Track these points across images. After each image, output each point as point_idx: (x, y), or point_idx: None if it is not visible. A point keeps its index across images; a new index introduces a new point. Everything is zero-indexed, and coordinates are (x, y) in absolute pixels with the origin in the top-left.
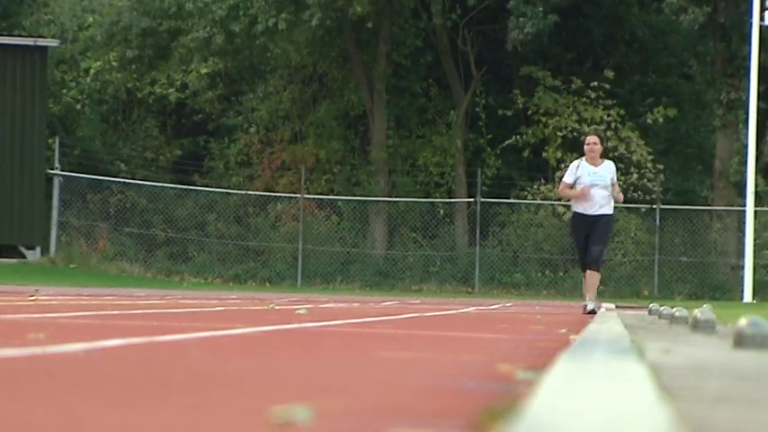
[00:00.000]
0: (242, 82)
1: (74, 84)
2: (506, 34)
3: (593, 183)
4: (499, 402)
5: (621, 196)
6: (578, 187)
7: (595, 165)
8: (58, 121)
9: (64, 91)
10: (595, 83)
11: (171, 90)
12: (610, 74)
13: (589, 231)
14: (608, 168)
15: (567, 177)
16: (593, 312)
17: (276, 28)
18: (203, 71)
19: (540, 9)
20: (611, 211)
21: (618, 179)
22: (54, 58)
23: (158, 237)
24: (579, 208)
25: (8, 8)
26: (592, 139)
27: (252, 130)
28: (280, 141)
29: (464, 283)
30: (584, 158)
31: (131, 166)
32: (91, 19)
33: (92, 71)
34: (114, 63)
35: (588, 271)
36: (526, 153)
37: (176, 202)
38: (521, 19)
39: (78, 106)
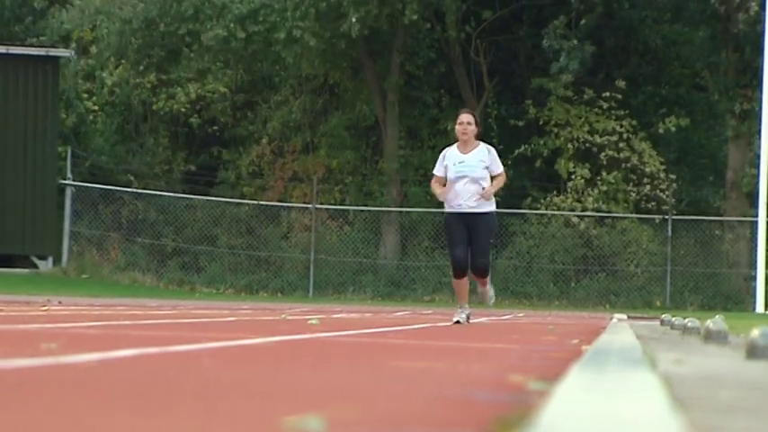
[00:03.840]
0: (254, 92)
1: (87, 95)
2: (528, 43)
3: (458, 175)
4: (511, 413)
5: (491, 191)
6: (447, 181)
7: (465, 151)
8: (72, 132)
9: (78, 101)
10: (608, 93)
11: (191, 112)
12: (621, 84)
13: (467, 232)
14: (480, 155)
15: (437, 169)
16: (488, 296)
17: (296, 38)
18: (221, 88)
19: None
20: (489, 208)
21: (630, 190)
22: (70, 69)
23: (170, 247)
24: (450, 206)
25: (17, 16)
26: (464, 117)
27: (264, 140)
28: (291, 152)
29: (476, 293)
30: (456, 144)
31: (144, 178)
32: (105, 29)
33: (107, 81)
34: (125, 66)
35: (476, 278)
36: (538, 163)
37: (188, 212)
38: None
39: (92, 117)
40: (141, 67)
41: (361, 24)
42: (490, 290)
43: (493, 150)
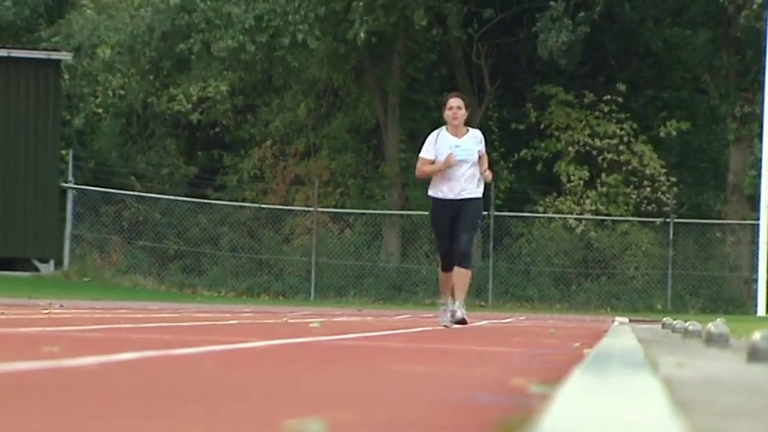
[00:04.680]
0: (256, 95)
1: (93, 98)
2: (521, 44)
3: (456, 158)
4: (512, 416)
5: (490, 174)
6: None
7: (458, 135)
8: (76, 134)
9: (82, 104)
10: (609, 96)
11: (192, 111)
12: (622, 87)
13: (453, 220)
14: (473, 139)
15: (426, 152)
16: (462, 322)
17: (301, 43)
18: (223, 88)
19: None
20: (478, 194)
21: (630, 193)
22: (75, 72)
23: (171, 250)
24: (440, 192)
25: (31, 23)
26: (454, 102)
27: (266, 143)
28: (293, 155)
29: (477, 296)
30: (445, 128)
31: (145, 181)
32: (111, 34)
33: (113, 82)
34: (132, 72)
35: (456, 268)
36: (539, 167)
37: (189, 215)
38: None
39: (96, 119)
40: (152, 77)
41: (367, 32)
42: (462, 296)
43: (479, 134)
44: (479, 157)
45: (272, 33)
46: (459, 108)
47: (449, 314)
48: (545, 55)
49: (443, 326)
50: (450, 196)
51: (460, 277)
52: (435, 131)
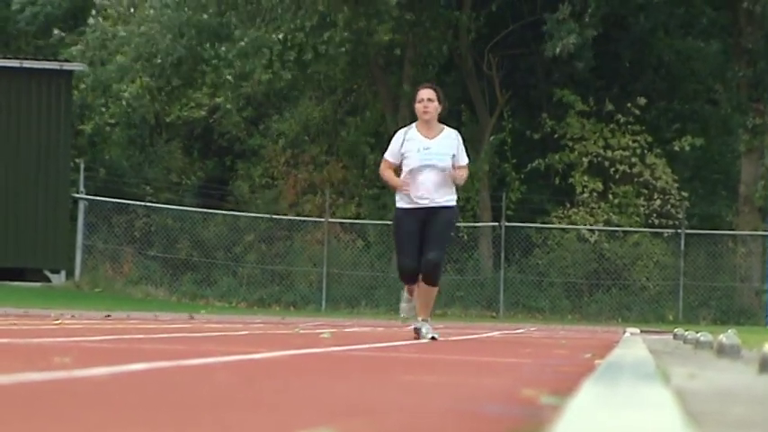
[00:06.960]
0: (269, 104)
1: (104, 108)
2: (536, 54)
3: (423, 163)
4: (523, 427)
5: (462, 175)
6: (405, 169)
7: (430, 135)
8: (88, 144)
9: (95, 115)
10: (628, 105)
11: (205, 119)
12: (641, 101)
13: (422, 230)
14: (447, 141)
15: (389, 154)
16: (431, 338)
17: (324, 54)
18: (228, 105)
19: (576, 25)
20: (452, 202)
21: (640, 204)
22: (88, 83)
23: (183, 260)
24: (405, 200)
25: (46, 30)
26: (425, 93)
27: (277, 151)
28: (306, 164)
29: (488, 307)
30: (415, 125)
31: (157, 189)
32: (123, 50)
33: (125, 94)
34: (140, 89)
35: (422, 285)
36: (557, 180)
37: (201, 225)
38: (562, 32)
39: (108, 129)
40: (161, 86)
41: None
42: (427, 312)
43: (460, 138)
44: (456, 165)
45: (298, 51)
46: (430, 100)
47: (413, 327)
48: (553, 53)
49: (431, 338)
50: (418, 205)
51: (427, 294)
52: (403, 129)
